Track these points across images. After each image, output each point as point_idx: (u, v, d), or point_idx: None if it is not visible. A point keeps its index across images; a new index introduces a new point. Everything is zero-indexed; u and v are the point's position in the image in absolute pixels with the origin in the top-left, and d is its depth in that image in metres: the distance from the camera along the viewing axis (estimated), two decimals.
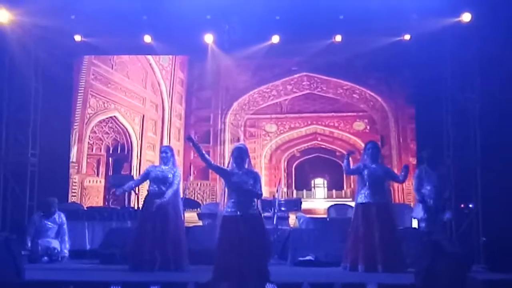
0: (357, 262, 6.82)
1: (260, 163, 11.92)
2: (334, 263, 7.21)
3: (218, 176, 9.08)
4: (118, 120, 11.72)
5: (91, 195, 11.24)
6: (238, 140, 11.75)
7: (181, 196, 7.39)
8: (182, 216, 7.29)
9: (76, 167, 11.09)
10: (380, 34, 9.09)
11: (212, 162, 5.79)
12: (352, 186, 12.12)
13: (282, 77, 11.97)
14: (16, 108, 9.33)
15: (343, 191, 12.90)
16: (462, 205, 8.85)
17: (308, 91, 11.98)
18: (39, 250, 7.81)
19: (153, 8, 8.73)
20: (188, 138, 5.79)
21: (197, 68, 11.71)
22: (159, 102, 12.16)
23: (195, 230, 8.17)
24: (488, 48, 8.33)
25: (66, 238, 8.08)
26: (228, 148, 11.61)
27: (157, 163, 7.73)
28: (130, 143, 11.78)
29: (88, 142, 11.40)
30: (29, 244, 7.87)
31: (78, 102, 11.16)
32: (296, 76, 11.95)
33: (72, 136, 10.84)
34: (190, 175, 10.86)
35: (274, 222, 8.03)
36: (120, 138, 11.75)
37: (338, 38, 9.30)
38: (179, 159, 9.66)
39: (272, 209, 8.14)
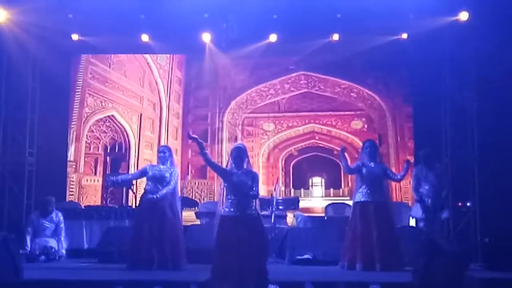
0: (355, 261, 6.84)
1: (258, 162, 11.91)
2: (332, 262, 7.22)
3: (216, 175, 9.06)
4: (115, 119, 11.70)
5: (88, 194, 11.23)
6: (236, 139, 11.74)
7: (179, 195, 7.39)
8: (180, 215, 7.31)
9: (74, 166, 11.06)
10: (377, 33, 9.09)
11: (213, 161, 5.75)
12: (350, 184, 12.13)
13: (280, 76, 11.95)
14: (14, 107, 9.34)
15: (341, 189, 12.91)
16: (460, 204, 8.87)
17: (305, 90, 11.97)
18: (36, 249, 7.81)
19: (150, 7, 8.73)
20: (190, 136, 5.60)
21: (195, 67, 11.70)
22: (156, 101, 12.15)
23: (193, 229, 8.19)
24: (486, 47, 8.35)
25: (63, 237, 8.08)
26: (226, 147, 11.60)
27: (155, 162, 7.74)
28: (127, 142, 11.76)
29: (86, 141, 11.38)
30: (29, 244, 7.86)
31: (76, 101, 11.13)
32: (293, 75, 11.93)
33: (69, 135, 10.82)
34: (188, 174, 10.83)
35: (272, 221, 8.04)
36: (117, 137, 11.73)
37: (336, 37, 9.31)
38: (177, 158, 9.63)
39: (270, 208, 8.15)
